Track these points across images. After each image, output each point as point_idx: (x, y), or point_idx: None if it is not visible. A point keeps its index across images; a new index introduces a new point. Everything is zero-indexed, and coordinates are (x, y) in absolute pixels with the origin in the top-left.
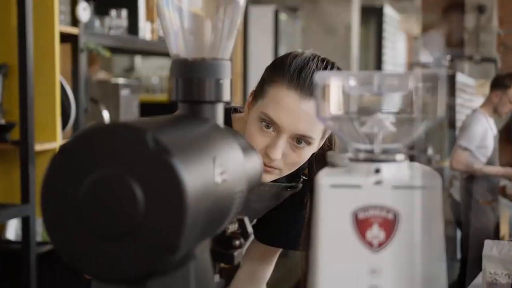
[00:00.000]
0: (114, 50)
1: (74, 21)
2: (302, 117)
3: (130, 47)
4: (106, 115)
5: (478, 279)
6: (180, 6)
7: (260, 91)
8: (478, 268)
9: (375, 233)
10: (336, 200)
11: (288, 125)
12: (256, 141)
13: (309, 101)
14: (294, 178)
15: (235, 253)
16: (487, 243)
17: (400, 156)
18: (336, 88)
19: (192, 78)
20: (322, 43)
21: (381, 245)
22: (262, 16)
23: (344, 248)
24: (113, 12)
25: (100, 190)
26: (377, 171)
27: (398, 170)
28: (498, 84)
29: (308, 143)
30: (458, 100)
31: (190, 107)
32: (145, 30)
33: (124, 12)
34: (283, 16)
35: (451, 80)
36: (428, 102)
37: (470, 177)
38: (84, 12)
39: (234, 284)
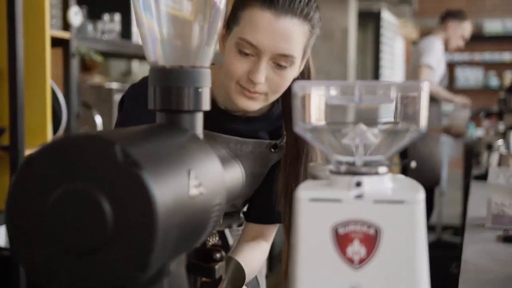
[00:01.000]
0: (108, 54)
1: (66, 26)
2: (281, 35)
3: (123, 51)
4: (98, 120)
5: (480, 211)
6: (158, 12)
7: (233, 19)
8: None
9: (356, 249)
10: (315, 215)
11: (267, 45)
12: (236, 69)
13: (286, 19)
14: (276, 137)
15: (216, 267)
16: (493, 170)
17: (382, 169)
18: (316, 98)
19: (170, 87)
20: (319, 47)
21: (362, 261)
22: None
23: (324, 264)
24: (106, 16)
25: (67, 204)
26: (358, 184)
27: (380, 183)
28: (454, 15)
29: (290, 63)
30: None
31: (168, 116)
32: (138, 35)
33: (117, 16)
34: None
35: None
36: (410, 114)
37: None
38: (75, 16)
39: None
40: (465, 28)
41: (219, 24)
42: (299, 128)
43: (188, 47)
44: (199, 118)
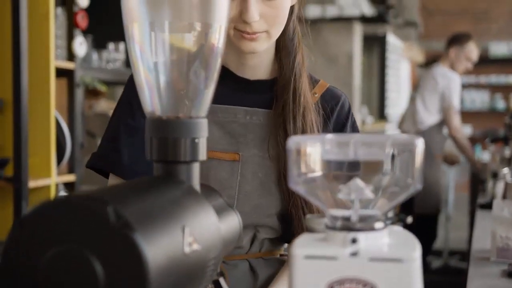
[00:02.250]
0: (113, 83)
1: (71, 56)
2: None
3: None
4: None
5: (485, 242)
6: (155, 62)
7: None
8: (424, 221)
9: None
10: (310, 272)
11: None
12: (252, 14)
13: None
14: None
15: None
16: (497, 203)
17: (378, 224)
18: (310, 153)
19: (167, 138)
20: (324, 72)
21: None
22: None
23: None
24: (111, 46)
25: (60, 266)
26: (354, 241)
27: (376, 239)
28: (455, 41)
29: None
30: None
31: (164, 167)
32: None
33: (122, 46)
34: None
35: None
36: (406, 169)
37: (427, 130)
38: (80, 46)
39: None
40: (469, 51)
41: (215, 74)
42: (293, 182)
43: (185, 97)
44: (196, 168)
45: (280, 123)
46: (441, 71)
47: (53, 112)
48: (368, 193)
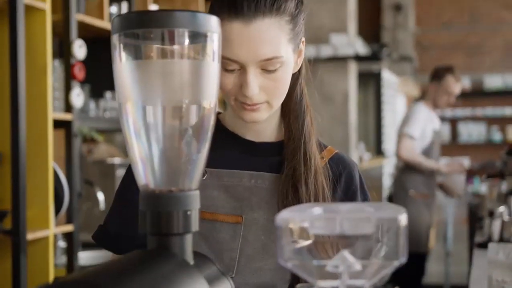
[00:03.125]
0: (110, 131)
1: (68, 107)
2: (256, 41)
3: None
4: (101, 197)
5: (483, 284)
6: (148, 139)
7: None
8: (411, 257)
9: None
10: None
11: (246, 56)
12: (227, 87)
13: (256, 22)
14: None
15: None
16: (492, 246)
17: None
18: (299, 228)
19: (160, 211)
20: (320, 111)
21: None
22: None
23: None
24: (108, 94)
25: None
26: None
27: None
28: (434, 76)
29: (280, 64)
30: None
31: (158, 239)
32: None
33: None
34: None
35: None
36: (390, 243)
37: (405, 168)
38: (78, 98)
39: None
40: (447, 85)
41: (206, 148)
42: (281, 257)
43: (177, 170)
44: (189, 239)
45: (290, 187)
46: (416, 105)
47: (51, 164)
48: (356, 265)
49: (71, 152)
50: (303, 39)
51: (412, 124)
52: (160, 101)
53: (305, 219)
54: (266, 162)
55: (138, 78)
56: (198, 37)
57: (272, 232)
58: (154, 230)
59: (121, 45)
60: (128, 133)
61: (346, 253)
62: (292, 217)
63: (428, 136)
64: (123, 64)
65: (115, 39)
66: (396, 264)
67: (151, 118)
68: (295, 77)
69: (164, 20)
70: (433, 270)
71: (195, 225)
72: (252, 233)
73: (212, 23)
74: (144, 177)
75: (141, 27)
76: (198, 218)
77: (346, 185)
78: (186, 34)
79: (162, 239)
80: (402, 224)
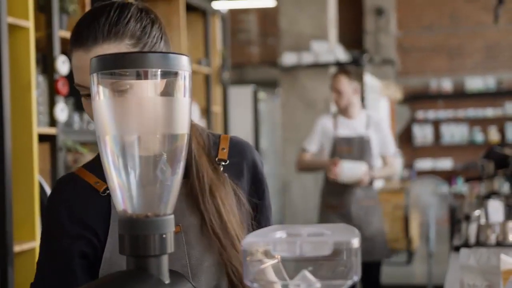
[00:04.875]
0: (94, 143)
1: (53, 121)
2: None
3: None
4: None
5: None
6: (125, 167)
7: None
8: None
9: None
10: None
11: (89, 80)
12: (90, 112)
13: (97, 49)
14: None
15: None
16: (463, 251)
17: None
18: (262, 250)
19: (138, 235)
20: (302, 117)
21: None
22: (242, 96)
23: None
24: None
25: None
26: None
27: None
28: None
29: (130, 85)
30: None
31: (136, 261)
32: None
33: None
34: (262, 95)
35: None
36: (345, 264)
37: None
38: (61, 112)
39: None
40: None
41: (179, 175)
42: (247, 278)
43: (153, 197)
44: (165, 260)
45: (193, 205)
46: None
47: (37, 177)
48: (316, 284)
49: (56, 165)
50: None
51: (308, 138)
52: (136, 134)
53: (268, 243)
54: None
55: (115, 113)
56: (169, 75)
57: (208, 230)
58: (132, 252)
59: (99, 84)
60: (107, 162)
61: (306, 273)
62: (256, 242)
63: (327, 145)
64: (101, 101)
65: (93, 78)
66: (350, 282)
67: (127, 149)
68: None
69: (138, 61)
70: (417, 270)
71: (170, 247)
72: (193, 236)
73: (183, 62)
74: (122, 203)
75: (117, 67)
76: (173, 239)
77: (251, 170)
78: (159, 73)
79: (139, 261)
80: (355, 246)
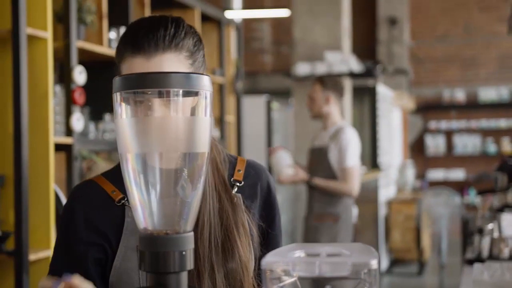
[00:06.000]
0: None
1: (69, 131)
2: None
3: None
4: None
5: None
6: (147, 189)
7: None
8: None
9: None
10: None
11: None
12: None
13: (156, 57)
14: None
15: None
16: (477, 266)
17: None
18: (282, 270)
19: (158, 252)
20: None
21: None
22: (255, 105)
23: None
24: (107, 116)
25: None
26: None
27: None
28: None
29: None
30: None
31: (156, 277)
32: None
33: None
34: (275, 105)
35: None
36: (364, 284)
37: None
38: (78, 122)
39: None
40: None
41: (198, 195)
42: None
43: (173, 214)
44: (184, 277)
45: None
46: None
47: (52, 186)
48: None
49: (71, 174)
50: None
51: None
52: (157, 152)
53: (287, 263)
54: None
55: (137, 131)
56: (191, 95)
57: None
58: (153, 268)
59: (122, 102)
60: (128, 180)
61: None
62: (275, 261)
63: None
64: (123, 120)
65: (116, 97)
66: None
67: (149, 166)
68: None
69: (161, 81)
70: (427, 282)
71: (190, 264)
72: None
73: (204, 82)
74: (143, 220)
75: (139, 87)
76: (192, 256)
77: (264, 194)
78: (181, 93)
79: (159, 277)
80: (374, 267)
